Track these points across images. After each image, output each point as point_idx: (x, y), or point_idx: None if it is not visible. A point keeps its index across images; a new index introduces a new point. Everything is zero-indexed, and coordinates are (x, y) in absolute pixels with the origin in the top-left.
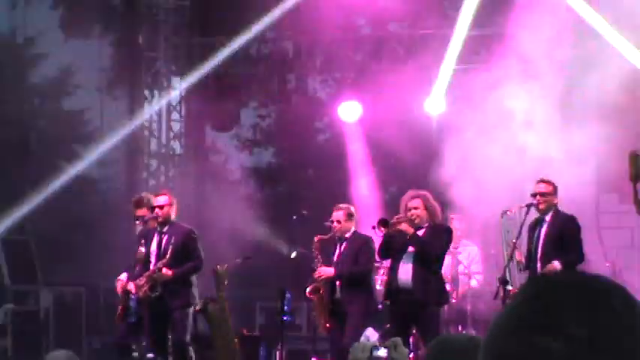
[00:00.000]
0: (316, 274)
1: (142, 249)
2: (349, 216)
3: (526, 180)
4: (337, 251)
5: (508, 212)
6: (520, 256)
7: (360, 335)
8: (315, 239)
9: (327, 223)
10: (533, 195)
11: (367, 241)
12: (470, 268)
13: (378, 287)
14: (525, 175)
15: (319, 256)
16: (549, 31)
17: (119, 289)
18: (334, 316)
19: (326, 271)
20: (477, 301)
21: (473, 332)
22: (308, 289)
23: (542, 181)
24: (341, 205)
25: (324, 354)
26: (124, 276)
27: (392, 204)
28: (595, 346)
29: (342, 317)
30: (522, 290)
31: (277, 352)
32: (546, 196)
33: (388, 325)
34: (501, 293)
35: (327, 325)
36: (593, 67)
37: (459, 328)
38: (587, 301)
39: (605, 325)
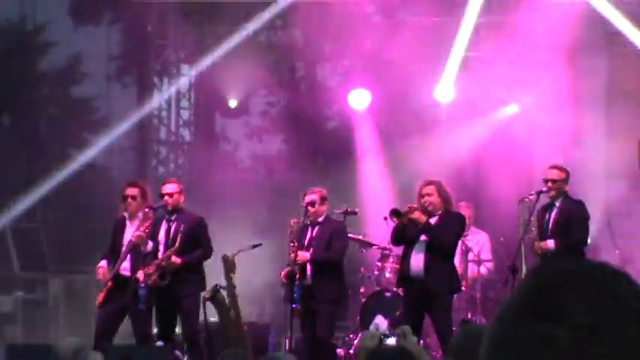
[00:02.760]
0: (297, 259)
1: (137, 233)
2: (323, 200)
3: (535, 166)
4: (308, 235)
5: (526, 199)
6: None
7: (332, 323)
8: (292, 222)
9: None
10: (545, 181)
11: (340, 226)
12: (479, 255)
13: (387, 275)
14: (534, 162)
15: (295, 240)
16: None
17: (100, 275)
18: (304, 302)
19: (303, 256)
20: (487, 289)
21: (482, 320)
22: (283, 273)
23: (554, 167)
24: (314, 189)
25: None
26: (104, 263)
27: (402, 192)
28: (600, 334)
29: (311, 303)
30: (526, 278)
31: (286, 340)
32: (557, 182)
33: (398, 313)
34: (511, 281)
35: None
36: (602, 53)
37: (469, 315)
38: (592, 289)
39: (610, 313)
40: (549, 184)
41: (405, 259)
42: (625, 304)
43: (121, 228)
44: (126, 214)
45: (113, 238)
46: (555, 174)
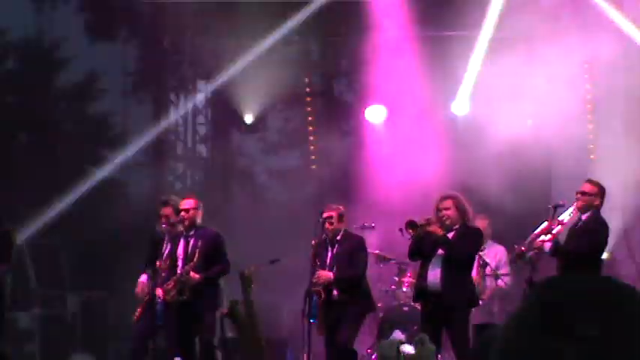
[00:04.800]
0: (316, 279)
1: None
2: (340, 216)
3: (552, 180)
4: (329, 253)
5: (561, 202)
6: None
7: (355, 332)
8: (313, 243)
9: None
10: (577, 193)
11: (360, 242)
12: (497, 268)
13: (404, 289)
14: (551, 176)
15: (317, 260)
16: (573, 34)
17: (139, 289)
18: (329, 318)
19: (326, 275)
20: (505, 303)
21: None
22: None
23: (589, 181)
24: (332, 205)
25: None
26: (144, 277)
27: (418, 206)
28: (606, 347)
29: (335, 320)
30: (535, 292)
31: (304, 356)
32: (587, 195)
33: (416, 328)
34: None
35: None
36: (619, 69)
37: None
38: (598, 303)
39: (616, 326)
40: (579, 195)
41: (422, 273)
42: (631, 318)
43: (159, 243)
44: (164, 230)
45: (151, 252)
46: (587, 187)
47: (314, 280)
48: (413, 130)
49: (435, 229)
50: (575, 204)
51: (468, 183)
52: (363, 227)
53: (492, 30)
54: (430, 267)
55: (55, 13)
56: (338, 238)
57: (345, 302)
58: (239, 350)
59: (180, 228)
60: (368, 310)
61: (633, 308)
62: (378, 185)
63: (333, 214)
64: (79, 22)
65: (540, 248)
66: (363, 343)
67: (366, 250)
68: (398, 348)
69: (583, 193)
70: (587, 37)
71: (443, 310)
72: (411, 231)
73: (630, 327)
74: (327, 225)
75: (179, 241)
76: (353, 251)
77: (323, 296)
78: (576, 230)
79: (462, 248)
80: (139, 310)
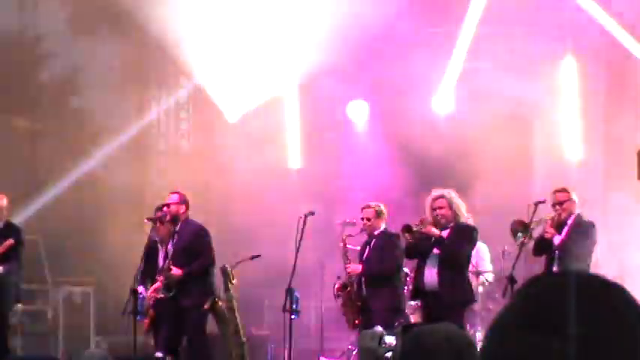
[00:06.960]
0: (348, 271)
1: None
2: (378, 214)
3: (534, 178)
4: (367, 249)
5: (541, 200)
6: None
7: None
8: (344, 236)
9: (356, 222)
10: (553, 205)
11: (393, 238)
12: (478, 265)
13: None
14: (533, 174)
15: (347, 254)
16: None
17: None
18: (362, 313)
19: (354, 268)
20: (486, 300)
21: (481, 331)
22: (337, 286)
23: (558, 190)
24: (370, 204)
25: (331, 353)
26: (141, 289)
27: (406, 202)
28: (594, 345)
29: (369, 314)
30: (521, 290)
31: (285, 352)
32: (564, 203)
33: (397, 324)
34: (509, 291)
35: (357, 321)
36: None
37: (467, 326)
38: (586, 301)
39: (604, 324)
40: (558, 207)
41: (418, 272)
42: (619, 316)
43: (153, 250)
44: (156, 237)
45: (146, 260)
46: (561, 196)
47: (347, 272)
48: (395, 127)
49: (429, 229)
50: (553, 216)
51: (451, 180)
52: (345, 224)
53: (475, 26)
54: (427, 266)
55: (39, 8)
56: (376, 233)
57: (372, 298)
58: (220, 345)
59: (164, 229)
60: (395, 305)
61: (621, 306)
62: (361, 180)
63: (371, 211)
64: (62, 17)
65: (548, 238)
66: (345, 339)
67: (398, 248)
68: (380, 339)
69: (561, 204)
70: (569, 31)
71: (440, 309)
72: (407, 235)
73: (619, 326)
74: (364, 222)
75: (169, 240)
76: (384, 248)
77: (349, 289)
78: (572, 233)
79: (457, 247)
80: (146, 322)
